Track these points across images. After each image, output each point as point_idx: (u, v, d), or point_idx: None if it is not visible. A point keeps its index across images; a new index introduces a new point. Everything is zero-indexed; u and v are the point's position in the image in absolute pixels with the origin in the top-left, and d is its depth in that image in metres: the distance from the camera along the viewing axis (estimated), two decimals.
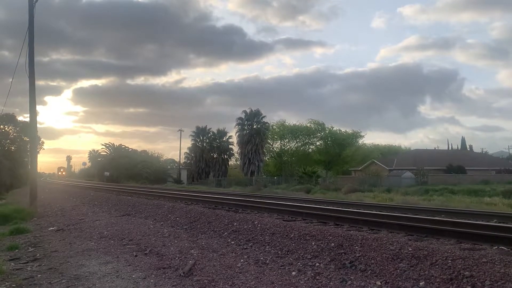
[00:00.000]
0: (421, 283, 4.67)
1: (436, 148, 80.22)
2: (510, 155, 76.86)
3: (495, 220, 9.53)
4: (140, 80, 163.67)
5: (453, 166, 52.50)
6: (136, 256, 6.95)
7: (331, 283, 5.02)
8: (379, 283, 4.90)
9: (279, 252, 6.77)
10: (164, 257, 6.71)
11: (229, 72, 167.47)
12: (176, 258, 6.52)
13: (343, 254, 6.01)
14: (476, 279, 4.39)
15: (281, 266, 5.96)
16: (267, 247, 7.13)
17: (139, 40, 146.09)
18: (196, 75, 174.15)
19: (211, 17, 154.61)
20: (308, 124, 67.76)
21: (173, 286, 5.14)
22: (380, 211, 10.70)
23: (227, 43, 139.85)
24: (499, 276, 4.31)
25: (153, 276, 5.62)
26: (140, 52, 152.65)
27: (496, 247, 5.62)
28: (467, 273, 4.54)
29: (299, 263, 6.03)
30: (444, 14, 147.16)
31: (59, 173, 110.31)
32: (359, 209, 11.19)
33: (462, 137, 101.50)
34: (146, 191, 22.59)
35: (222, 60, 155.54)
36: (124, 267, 6.19)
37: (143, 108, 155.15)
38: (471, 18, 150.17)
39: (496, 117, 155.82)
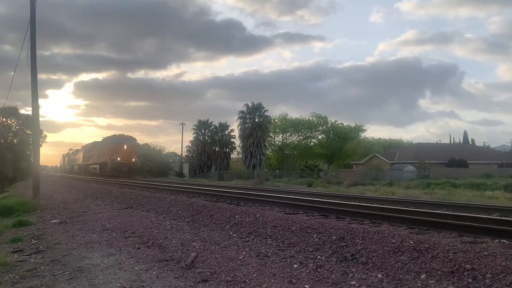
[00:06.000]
0: (422, 276, 4.69)
1: (438, 142, 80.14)
2: None
3: (497, 213, 9.53)
4: (140, 74, 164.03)
5: (455, 160, 52.44)
6: (138, 248, 6.99)
7: (332, 276, 5.04)
8: (380, 276, 4.92)
9: (281, 245, 6.79)
10: (166, 249, 6.75)
11: (229, 66, 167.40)
12: (178, 251, 6.55)
13: (344, 247, 6.02)
14: (477, 272, 4.41)
15: (282, 258, 5.98)
16: (269, 240, 7.15)
17: (139, 34, 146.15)
18: (196, 69, 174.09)
19: (210, 11, 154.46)
20: (310, 117, 67.78)
21: (175, 278, 5.17)
22: (382, 205, 10.71)
23: (226, 37, 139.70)
24: (500, 269, 4.32)
25: (155, 268, 5.66)
26: (140, 46, 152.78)
27: (498, 240, 5.63)
28: (468, 266, 4.55)
29: (301, 256, 6.05)
30: (442, 9, 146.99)
31: (118, 159, 34.93)
32: (360, 202, 11.21)
33: (464, 131, 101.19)
34: (148, 184, 22.65)
35: (222, 54, 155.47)
36: (127, 259, 6.23)
37: (144, 102, 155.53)
38: (469, 13, 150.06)
39: (496, 111, 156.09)
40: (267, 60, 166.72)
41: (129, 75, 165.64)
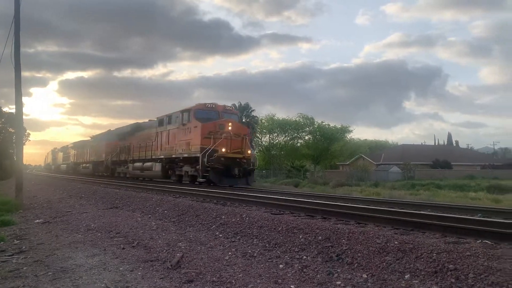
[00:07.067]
0: (406, 276, 4.74)
1: (423, 144, 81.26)
2: (495, 151, 78.20)
3: (480, 214, 9.66)
4: (126, 73, 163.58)
5: (440, 161, 53.24)
6: (123, 248, 6.92)
7: (318, 276, 5.06)
8: (365, 276, 4.96)
9: (267, 245, 6.80)
10: (151, 249, 6.70)
11: (216, 65, 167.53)
12: (164, 251, 6.51)
13: (330, 247, 6.05)
14: (460, 272, 4.47)
15: (268, 259, 5.99)
16: (255, 240, 7.15)
17: (125, 33, 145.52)
18: (183, 69, 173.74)
19: (197, 11, 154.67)
20: (297, 118, 68.02)
21: (160, 278, 5.13)
22: (367, 205, 10.79)
23: (214, 37, 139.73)
24: (483, 269, 4.39)
25: (140, 268, 5.61)
26: (126, 44, 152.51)
27: (480, 240, 5.71)
28: (451, 266, 4.62)
29: (287, 256, 6.06)
30: (426, 12, 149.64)
31: (223, 150, 17.76)
32: (346, 203, 11.27)
33: (449, 132, 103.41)
34: (134, 184, 22.45)
35: (209, 54, 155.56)
36: (111, 259, 6.16)
37: (131, 101, 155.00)
38: (453, 16, 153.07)
39: (479, 113, 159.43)
40: (254, 61, 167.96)
41: (115, 73, 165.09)
